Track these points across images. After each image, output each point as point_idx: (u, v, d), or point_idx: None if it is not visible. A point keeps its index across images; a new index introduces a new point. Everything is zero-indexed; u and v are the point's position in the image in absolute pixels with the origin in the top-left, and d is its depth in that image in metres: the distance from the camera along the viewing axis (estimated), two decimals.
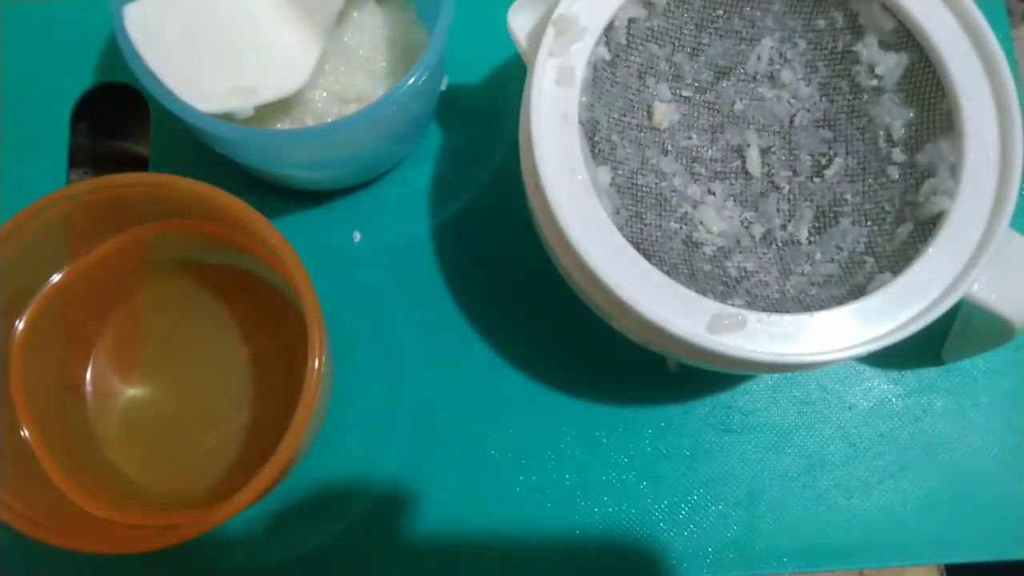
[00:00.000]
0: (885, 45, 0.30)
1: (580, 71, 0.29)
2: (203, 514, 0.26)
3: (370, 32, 0.35)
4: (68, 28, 0.38)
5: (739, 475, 0.34)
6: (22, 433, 0.30)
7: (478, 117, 0.38)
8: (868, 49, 0.31)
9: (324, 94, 0.33)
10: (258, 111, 0.34)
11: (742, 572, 0.33)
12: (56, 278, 0.31)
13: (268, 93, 0.31)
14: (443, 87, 0.34)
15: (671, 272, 0.28)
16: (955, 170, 0.28)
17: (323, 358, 0.27)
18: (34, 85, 0.38)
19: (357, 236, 0.36)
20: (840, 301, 0.27)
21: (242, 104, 0.30)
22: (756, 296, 0.29)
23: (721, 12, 0.32)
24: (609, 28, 0.30)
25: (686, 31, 0.32)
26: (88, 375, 0.33)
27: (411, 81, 0.29)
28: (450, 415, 0.34)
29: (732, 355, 0.26)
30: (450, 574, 0.33)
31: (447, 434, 0.34)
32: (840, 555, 0.33)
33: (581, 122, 0.29)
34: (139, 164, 0.41)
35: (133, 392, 0.34)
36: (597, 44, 0.29)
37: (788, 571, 0.33)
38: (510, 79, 0.38)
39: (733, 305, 0.27)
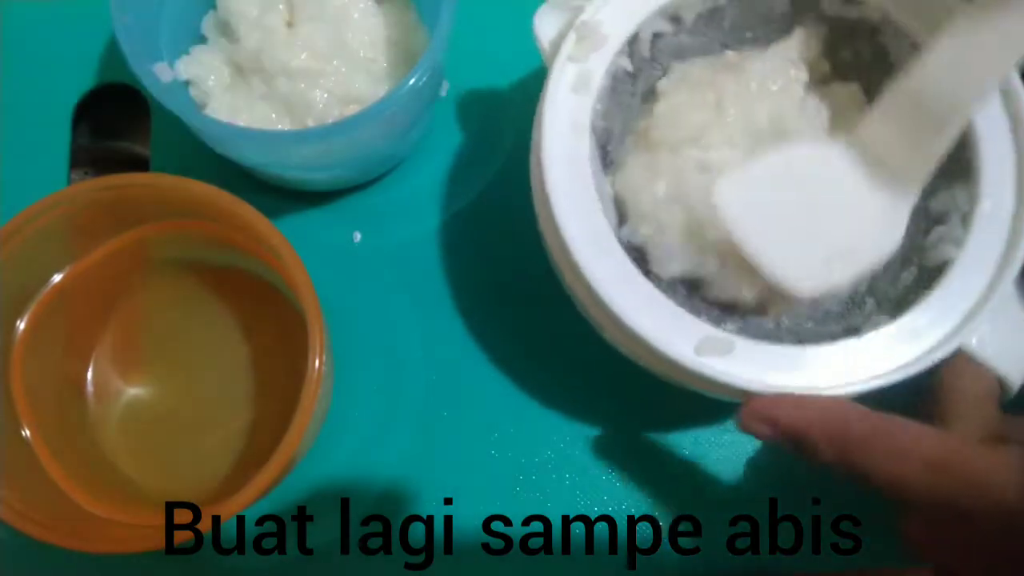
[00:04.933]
0: None
1: (597, 79, 0.28)
2: (203, 514, 0.26)
3: (371, 33, 0.35)
4: (68, 28, 0.38)
5: (739, 475, 0.34)
6: (23, 433, 0.30)
7: (478, 118, 0.38)
8: None
9: (325, 95, 0.33)
10: (259, 112, 0.34)
11: (743, 572, 0.33)
12: (57, 278, 0.31)
13: (864, 257, 0.27)
14: (443, 93, 0.34)
15: (668, 289, 0.28)
16: (966, 220, 0.27)
17: (323, 358, 0.27)
18: (35, 85, 0.38)
19: (357, 236, 0.36)
20: (834, 338, 0.26)
21: (842, 274, 0.27)
22: (750, 324, 0.29)
23: (749, 35, 0.32)
24: (633, 40, 0.30)
25: (712, 51, 0.32)
26: (89, 375, 0.34)
27: (412, 82, 0.30)
28: (450, 415, 0.34)
29: (716, 379, 0.25)
30: (450, 574, 0.33)
31: (447, 433, 0.34)
32: (843, 554, 0.33)
33: (594, 129, 0.28)
34: (140, 164, 0.41)
35: (134, 392, 0.34)
36: (619, 54, 0.29)
37: (789, 571, 0.33)
38: (510, 80, 0.38)
39: (724, 330, 0.26)
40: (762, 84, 0.30)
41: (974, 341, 0.26)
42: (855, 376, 0.25)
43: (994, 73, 0.25)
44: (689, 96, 0.30)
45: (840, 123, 0.31)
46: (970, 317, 0.26)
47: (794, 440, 0.25)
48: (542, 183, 0.27)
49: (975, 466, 0.23)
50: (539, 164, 0.27)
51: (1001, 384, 0.27)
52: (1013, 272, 0.26)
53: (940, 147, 0.26)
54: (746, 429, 0.25)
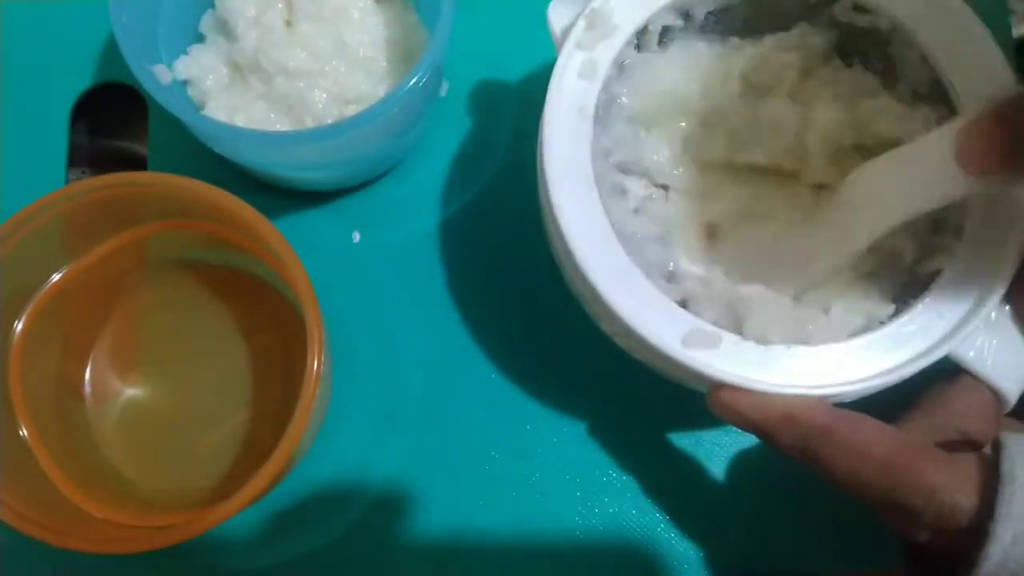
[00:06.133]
0: (917, 96, 0.30)
1: (604, 67, 0.29)
2: (202, 514, 0.26)
3: (370, 32, 0.35)
4: (68, 28, 0.38)
5: (740, 475, 0.34)
6: (21, 433, 0.30)
7: (478, 117, 0.38)
8: (898, 96, 0.30)
9: (324, 95, 0.33)
10: (258, 112, 0.34)
11: (744, 572, 0.33)
12: (55, 278, 0.31)
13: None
14: (443, 93, 0.34)
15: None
16: (959, 231, 0.27)
17: (323, 358, 0.27)
18: (33, 84, 0.38)
19: (357, 236, 0.36)
20: (820, 340, 0.26)
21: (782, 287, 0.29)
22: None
23: (758, 36, 0.32)
24: (642, 32, 0.30)
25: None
26: (87, 375, 0.33)
27: (412, 82, 0.29)
28: (450, 415, 0.34)
29: (701, 371, 0.25)
30: (450, 574, 0.33)
31: (447, 434, 0.34)
32: (842, 555, 0.33)
33: (597, 117, 0.29)
34: (138, 164, 0.41)
35: (132, 392, 0.34)
36: (627, 45, 0.29)
37: (789, 571, 0.33)
38: (510, 80, 0.38)
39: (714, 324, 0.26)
40: (753, 66, 0.30)
41: (971, 354, 0.26)
42: (837, 378, 0.25)
43: (907, 212, 0.26)
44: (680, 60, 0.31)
45: (846, 114, 0.31)
46: (956, 329, 0.26)
47: (756, 432, 0.25)
48: (544, 169, 0.27)
49: (928, 470, 0.23)
50: (542, 150, 0.28)
51: (998, 397, 0.27)
52: (1002, 286, 0.26)
53: (855, 248, 0.27)
54: (716, 414, 0.26)
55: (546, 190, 0.27)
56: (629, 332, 0.26)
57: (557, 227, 0.27)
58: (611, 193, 0.29)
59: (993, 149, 0.22)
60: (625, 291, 0.26)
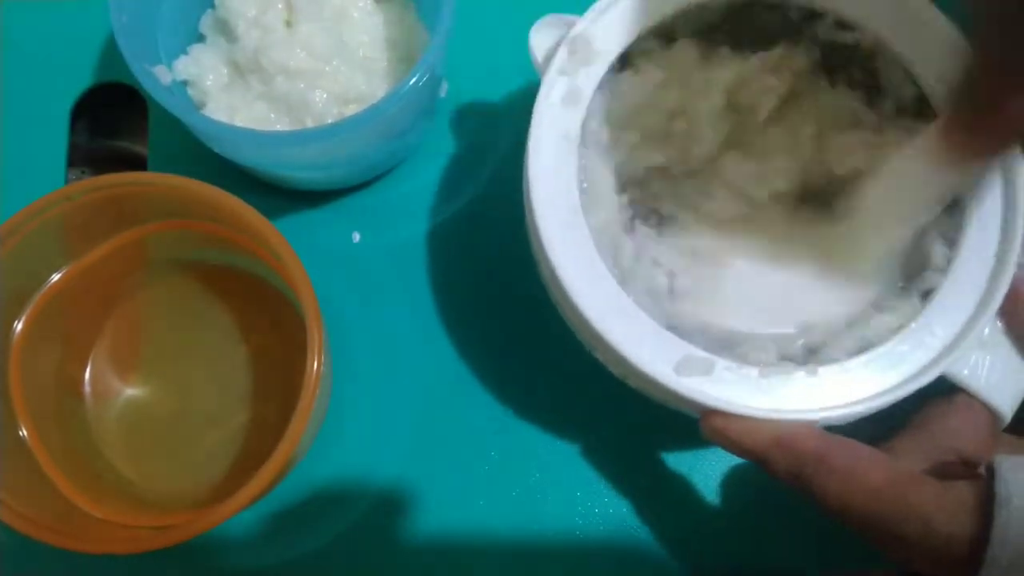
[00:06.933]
0: (903, 111, 0.30)
1: (588, 93, 0.28)
2: (202, 514, 0.26)
3: (370, 32, 0.35)
4: (68, 28, 0.38)
5: (741, 475, 0.34)
6: (21, 433, 0.30)
7: (478, 118, 0.38)
8: (885, 112, 0.30)
9: (324, 95, 0.33)
10: (258, 112, 0.34)
11: (743, 572, 0.33)
12: (55, 278, 0.31)
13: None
14: (443, 93, 0.34)
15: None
16: (953, 248, 0.27)
17: (322, 358, 0.27)
18: (33, 84, 0.38)
19: (356, 236, 0.36)
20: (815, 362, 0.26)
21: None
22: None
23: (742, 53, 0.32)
24: (625, 57, 0.30)
25: None
26: (87, 375, 0.33)
27: (412, 82, 0.29)
28: (449, 415, 0.34)
29: (694, 400, 0.25)
30: (450, 574, 0.33)
31: (447, 434, 0.34)
32: (842, 556, 0.33)
33: (583, 143, 0.28)
34: (137, 164, 0.41)
35: (132, 392, 0.34)
36: (609, 71, 0.29)
37: (790, 571, 0.33)
38: (509, 81, 0.38)
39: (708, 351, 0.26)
40: (735, 85, 0.31)
41: (965, 372, 0.26)
42: (833, 401, 0.25)
43: (913, 212, 0.27)
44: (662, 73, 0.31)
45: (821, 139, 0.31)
46: (950, 348, 0.26)
47: (750, 458, 0.25)
48: (530, 197, 0.27)
49: (921, 500, 0.23)
50: (528, 178, 0.28)
51: (994, 414, 0.27)
52: (995, 304, 0.26)
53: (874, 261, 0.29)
54: (709, 440, 0.26)
55: (533, 219, 0.27)
56: (621, 361, 0.26)
57: (546, 259, 0.27)
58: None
59: (973, 130, 0.23)
60: (616, 320, 0.26)
